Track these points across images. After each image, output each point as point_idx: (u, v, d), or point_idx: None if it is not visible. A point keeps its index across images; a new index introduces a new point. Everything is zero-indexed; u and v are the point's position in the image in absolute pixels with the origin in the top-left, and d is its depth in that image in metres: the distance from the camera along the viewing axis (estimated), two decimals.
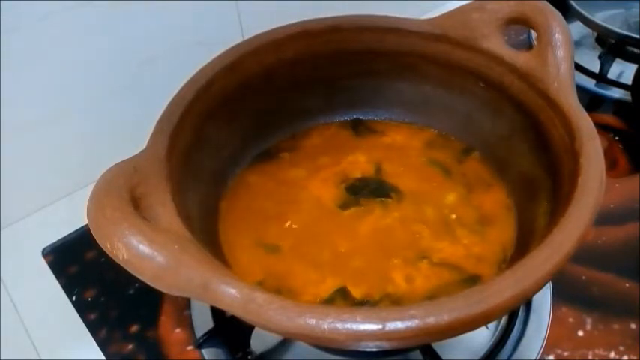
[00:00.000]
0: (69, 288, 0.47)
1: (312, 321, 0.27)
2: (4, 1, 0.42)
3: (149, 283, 0.29)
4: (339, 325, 0.27)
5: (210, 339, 0.42)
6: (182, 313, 0.45)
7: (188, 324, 0.44)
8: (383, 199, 0.43)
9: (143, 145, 0.36)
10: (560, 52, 0.39)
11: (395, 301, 0.37)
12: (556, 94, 0.38)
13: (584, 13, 0.61)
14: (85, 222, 0.30)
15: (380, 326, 0.27)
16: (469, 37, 0.42)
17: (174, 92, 0.39)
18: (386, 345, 0.28)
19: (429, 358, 0.39)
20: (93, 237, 0.30)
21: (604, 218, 0.48)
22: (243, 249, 0.40)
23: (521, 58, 0.41)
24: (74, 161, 0.51)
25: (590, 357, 0.40)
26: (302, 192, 0.44)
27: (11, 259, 0.51)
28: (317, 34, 0.45)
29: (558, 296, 0.43)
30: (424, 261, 0.39)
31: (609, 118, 0.58)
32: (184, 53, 0.48)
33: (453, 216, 0.42)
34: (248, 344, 0.41)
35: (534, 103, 0.40)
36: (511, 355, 0.41)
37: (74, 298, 0.47)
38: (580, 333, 0.42)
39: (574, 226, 0.31)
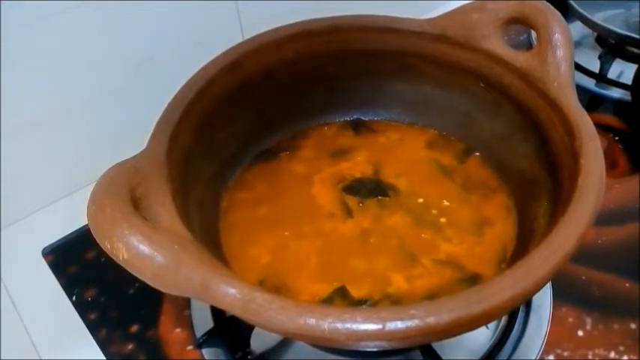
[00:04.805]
0: (69, 288, 0.47)
1: (312, 321, 0.27)
2: (4, 0, 0.42)
3: (149, 283, 0.29)
4: (339, 325, 0.27)
5: (210, 339, 0.42)
6: (182, 313, 0.45)
7: (188, 324, 0.44)
8: (380, 197, 0.43)
9: (143, 145, 0.36)
10: (560, 52, 0.39)
11: (395, 302, 0.37)
12: (556, 94, 0.38)
13: (584, 13, 0.61)
14: (85, 222, 0.30)
15: (380, 326, 0.27)
16: (469, 37, 0.42)
17: (175, 92, 0.39)
18: (386, 345, 0.28)
19: (429, 358, 0.39)
20: (93, 237, 0.30)
21: (604, 218, 0.48)
22: (243, 249, 0.40)
23: (521, 58, 0.41)
24: (74, 161, 0.51)
25: (590, 357, 0.40)
26: (302, 192, 0.44)
27: (11, 259, 0.50)
28: (317, 34, 0.45)
29: (558, 296, 0.43)
30: (425, 260, 0.39)
31: (609, 118, 0.58)
32: (184, 53, 0.48)
33: (454, 216, 0.42)
34: (248, 344, 0.41)
35: (534, 103, 0.40)
36: (511, 355, 0.41)
37: (74, 298, 0.47)
38: (580, 333, 0.42)
39: (574, 226, 0.31)
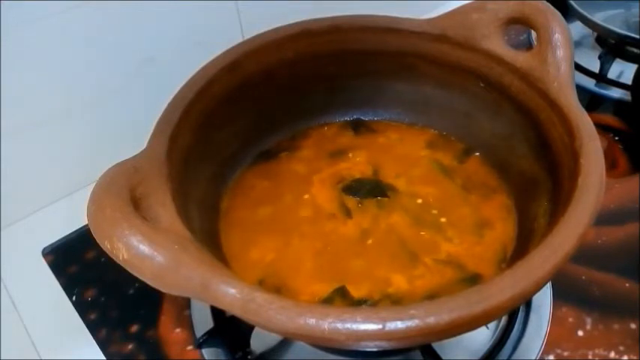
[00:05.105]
0: (69, 288, 0.47)
1: (312, 321, 0.27)
2: (4, 0, 0.42)
3: (149, 283, 0.29)
4: (339, 325, 0.27)
5: (210, 339, 0.42)
6: (182, 313, 0.45)
7: (188, 324, 0.44)
8: (379, 197, 0.43)
9: (143, 145, 0.36)
10: (560, 52, 0.39)
11: (395, 302, 0.37)
12: (556, 94, 0.38)
13: (584, 13, 0.61)
14: (85, 222, 0.30)
15: (380, 326, 0.27)
16: (469, 37, 0.42)
17: (175, 92, 0.39)
18: (386, 345, 0.28)
19: (429, 358, 0.39)
20: (93, 237, 0.30)
21: (604, 218, 0.48)
22: (243, 249, 0.40)
23: (521, 58, 0.41)
24: (74, 161, 0.51)
25: (590, 357, 0.40)
26: (302, 192, 0.44)
27: (11, 259, 0.50)
28: (317, 34, 0.45)
29: (558, 296, 0.43)
30: (425, 260, 0.39)
31: (609, 118, 0.58)
32: (184, 53, 0.48)
33: (454, 216, 0.42)
34: (248, 344, 0.41)
35: (534, 103, 0.40)
36: (511, 355, 0.41)
37: (74, 298, 0.47)
38: (580, 333, 0.42)
39: (574, 226, 0.31)
